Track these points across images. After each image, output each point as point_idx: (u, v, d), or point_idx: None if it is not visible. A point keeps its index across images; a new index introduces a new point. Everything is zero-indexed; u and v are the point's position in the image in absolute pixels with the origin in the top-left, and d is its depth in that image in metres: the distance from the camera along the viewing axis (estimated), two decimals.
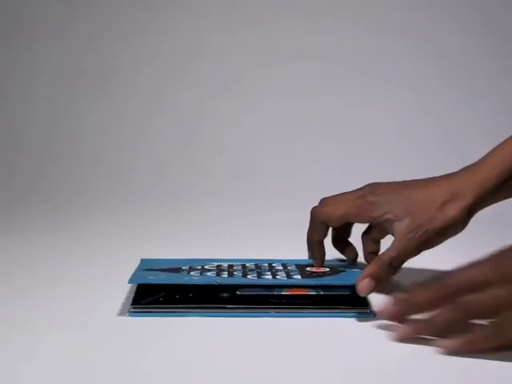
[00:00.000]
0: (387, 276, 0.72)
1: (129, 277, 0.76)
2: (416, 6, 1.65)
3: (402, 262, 0.72)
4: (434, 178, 0.77)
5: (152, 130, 1.66)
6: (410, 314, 0.65)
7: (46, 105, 1.71)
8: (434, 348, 0.62)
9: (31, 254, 1.00)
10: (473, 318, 0.63)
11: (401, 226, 0.73)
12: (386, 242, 0.76)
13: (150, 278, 0.76)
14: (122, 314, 0.72)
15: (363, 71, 1.65)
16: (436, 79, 1.63)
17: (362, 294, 0.71)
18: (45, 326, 0.69)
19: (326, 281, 0.76)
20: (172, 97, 1.68)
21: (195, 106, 1.67)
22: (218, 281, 0.75)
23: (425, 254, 0.74)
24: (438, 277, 0.65)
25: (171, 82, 1.69)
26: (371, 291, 0.70)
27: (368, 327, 0.69)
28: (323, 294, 0.74)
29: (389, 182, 0.79)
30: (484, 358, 0.61)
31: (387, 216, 0.75)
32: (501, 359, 0.61)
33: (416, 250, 0.72)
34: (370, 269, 0.72)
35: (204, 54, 1.70)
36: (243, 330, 0.69)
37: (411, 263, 0.76)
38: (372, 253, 0.83)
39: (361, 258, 0.84)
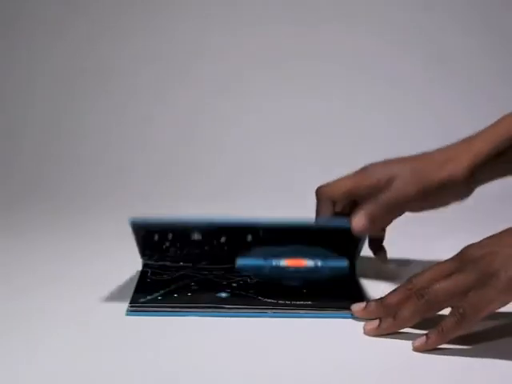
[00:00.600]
0: (381, 217, 0.72)
1: (128, 277, 0.76)
2: (416, 6, 1.65)
3: (399, 207, 0.73)
4: (430, 151, 0.79)
5: (152, 130, 1.66)
6: (383, 315, 0.67)
7: (45, 105, 1.70)
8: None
9: (31, 254, 1.00)
10: (437, 307, 0.64)
11: (403, 176, 0.74)
12: (388, 239, 0.76)
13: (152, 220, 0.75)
14: (121, 313, 0.73)
15: (363, 71, 1.65)
16: (436, 79, 1.63)
17: (356, 231, 0.71)
18: (45, 326, 0.69)
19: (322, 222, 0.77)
20: (172, 97, 1.68)
21: (195, 106, 1.67)
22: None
23: (426, 247, 0.74)
24: (408, 280, 0.67)
25: (171, 82, 1.69)
26: (366, 229, 0.70)
27: None
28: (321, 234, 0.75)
29: (384, 160, 0.80)
30: (484, 357, 0.61)
31: (389, 176, 0.76)
32: (500, 358, 0.61)
33: (414, 197, 0.73)
34: (364, 207, 0.72)
35: (204, 54, 1.70)
36: (241, 330, 0.69)
37: (413, 257, 0.76)
38: (376, 239, 0.83)
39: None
